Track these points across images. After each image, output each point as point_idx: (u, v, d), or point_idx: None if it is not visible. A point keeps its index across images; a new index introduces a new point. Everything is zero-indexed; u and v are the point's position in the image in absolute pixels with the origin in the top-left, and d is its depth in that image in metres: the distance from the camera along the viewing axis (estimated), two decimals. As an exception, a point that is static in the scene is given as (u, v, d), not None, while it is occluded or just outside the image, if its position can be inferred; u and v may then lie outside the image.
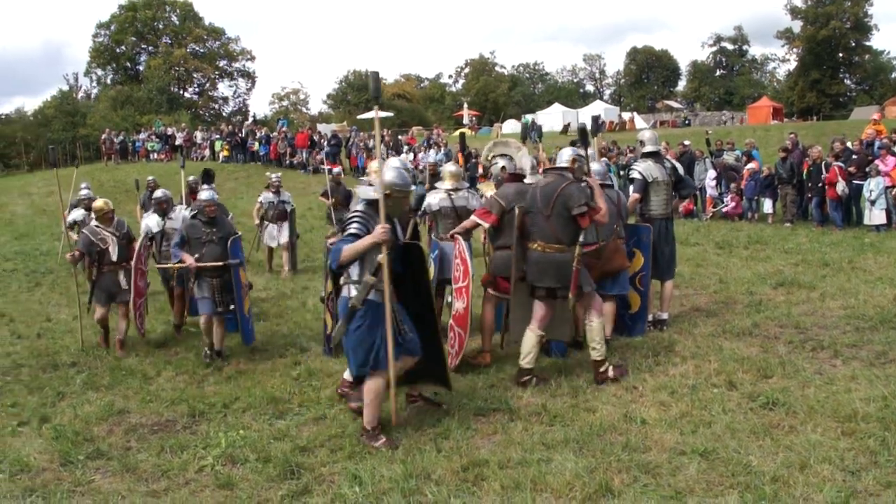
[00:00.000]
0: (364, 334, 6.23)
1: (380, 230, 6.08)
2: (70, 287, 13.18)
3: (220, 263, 9.36)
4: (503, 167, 8.88)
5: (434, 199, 9.09)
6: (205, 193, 9.68)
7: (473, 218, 8.30)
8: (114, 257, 10.13)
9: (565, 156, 7.81)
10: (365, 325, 6.22)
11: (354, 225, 6.19)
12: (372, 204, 6.32)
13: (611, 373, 7.48)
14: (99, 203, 10.50)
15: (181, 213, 11.33)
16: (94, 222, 10.36)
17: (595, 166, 8.86)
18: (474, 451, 5.98)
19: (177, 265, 9.66)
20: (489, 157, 9.45)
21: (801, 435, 5.89)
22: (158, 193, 11.43)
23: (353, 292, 6.26)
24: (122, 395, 8.15)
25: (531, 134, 35.49)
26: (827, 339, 8.44)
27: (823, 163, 17.86)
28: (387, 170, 6.42)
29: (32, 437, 7.08)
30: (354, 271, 6.30)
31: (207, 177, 14.14)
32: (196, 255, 9.31)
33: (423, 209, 9.47)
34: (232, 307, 9.40)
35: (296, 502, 5.40)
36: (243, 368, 8.92)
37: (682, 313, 10.10)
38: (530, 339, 7.52)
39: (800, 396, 6.69)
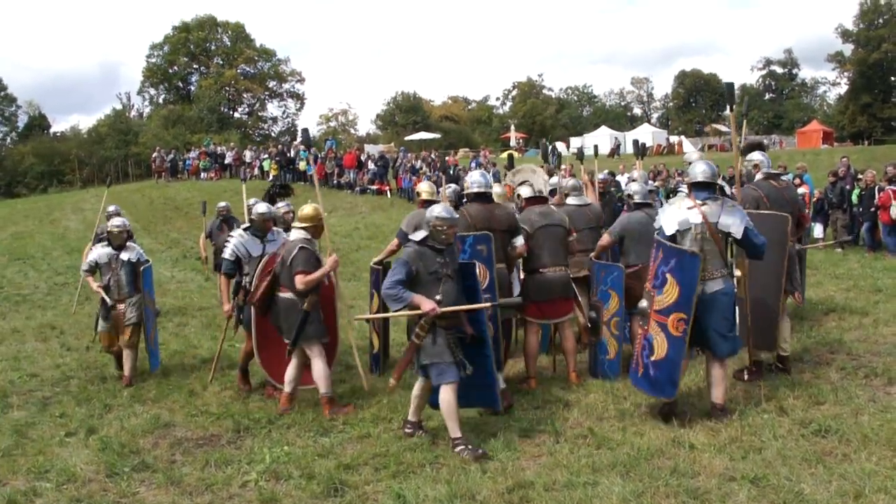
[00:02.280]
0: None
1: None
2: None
3: (486, 305, 6.89)
4: (519, 195, 9.28)
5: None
6: (439, 209, 6.82)
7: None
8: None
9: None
10: None
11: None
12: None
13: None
14: (309, 210, 8.10)
15: (279, 235, 9.07)
16: (301, 234, 7.96)
17: (635, 186, 8.85)
18: (520, 473, 5.92)
19: (406, 313, 6.75)
20: (513, 185, 9.59)
21: (855, 463, 5.75)
22: (262, 208, 9.04)
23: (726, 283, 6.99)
24: (168, 409, 8.22)
25: (552, 158, 35.18)
26: (881, 366, 8.24)
27: (876, 187, 17.54)
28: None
29: (79, 447, 7.16)
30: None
31: (284, 189, 11.61)
32: (437, 298, 6.56)
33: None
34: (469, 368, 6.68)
35: (339, 519, 5.39)
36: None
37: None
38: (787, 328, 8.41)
39: (853, 424, 6.53)
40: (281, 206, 10.13)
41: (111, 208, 13.09)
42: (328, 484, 5.90)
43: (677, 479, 5.63)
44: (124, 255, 9.73)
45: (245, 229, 8.97)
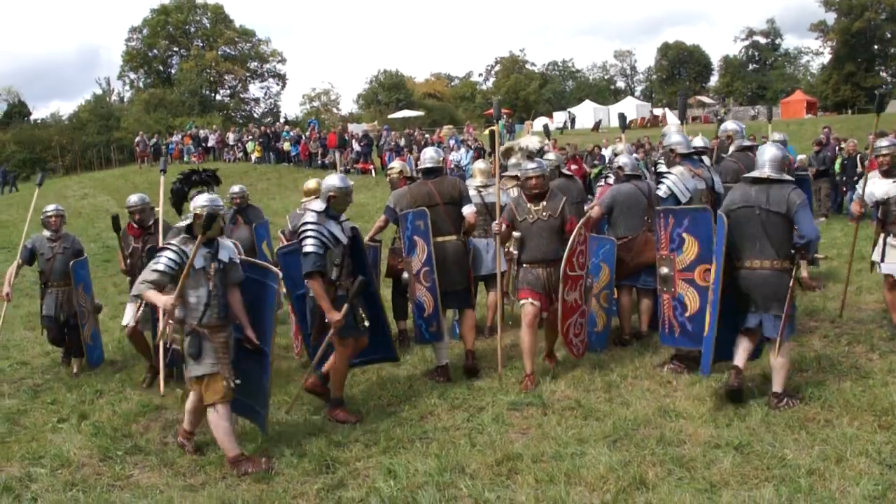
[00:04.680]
0: None
1: None
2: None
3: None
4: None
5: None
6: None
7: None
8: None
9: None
10: None
11: None
12: None
13: None
14: (313, 184, 8.97)
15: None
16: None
17: (624, 159, 8.88)
18: (508, 446, 6.01)
19: None
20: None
21: (837, 428, 5.86)
22: (335, 180, 7.03)
23: None
24: (159, 393, 8.23)
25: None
26: (863, 334, 8.36)
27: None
28: None
29: (72, 433, 7.19)
30: None
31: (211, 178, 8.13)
32: None
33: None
34: None
35: (331, 496, 5.46)
36: (278, 366, 8.98)
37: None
38: None
39: (835, 390, 6.65)
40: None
41: (50, 208, 9.73)
42: (319, 461, 5.96)
43: (663, 448, 5.73)
44: (223, 254, 6.32)
45: (321, 212, 6.95)
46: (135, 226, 9.10)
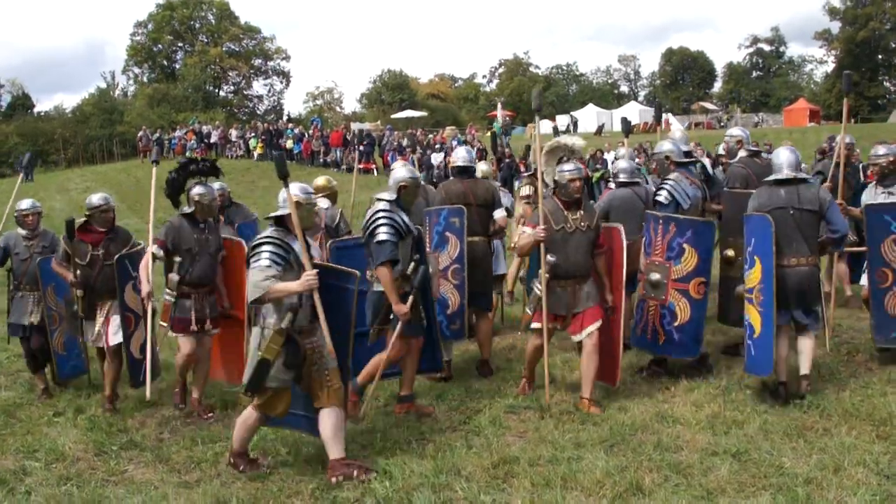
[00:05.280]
0: None
1: None
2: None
3: None
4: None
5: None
6: None
7: None
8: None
9: None
10: None
11: None
12: None
13: None
14: (321, 181, 8.62)
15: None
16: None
17: (622, 164, 8.85)
18: (505, 449, 5.99)
19: None
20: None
21: (836, 438, 5.85)
22: (403, 172, 7.00)
23: None
24: (155, 389, 8.20)
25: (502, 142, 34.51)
26: (863, 343, 8.33)
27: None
28: None
29: (67, 427, 7.19)
30: None
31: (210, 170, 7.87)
32: None
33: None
34: None
35: (326, 496, 5.43)
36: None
37: (714, 314, 9.99)
38: None
39: (834, 399, 6.63)
40: (198, 190, 7.54)
41: (25, 204, 8.88)
42: (315, 461, 5.94)
43: (660, 454, 5.72)
44: (314, 251, 6.11)
45: (392, 201, 6.78)
46: (99, 229, 7.97)
